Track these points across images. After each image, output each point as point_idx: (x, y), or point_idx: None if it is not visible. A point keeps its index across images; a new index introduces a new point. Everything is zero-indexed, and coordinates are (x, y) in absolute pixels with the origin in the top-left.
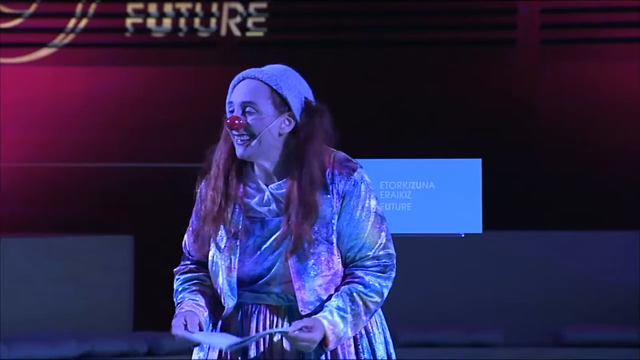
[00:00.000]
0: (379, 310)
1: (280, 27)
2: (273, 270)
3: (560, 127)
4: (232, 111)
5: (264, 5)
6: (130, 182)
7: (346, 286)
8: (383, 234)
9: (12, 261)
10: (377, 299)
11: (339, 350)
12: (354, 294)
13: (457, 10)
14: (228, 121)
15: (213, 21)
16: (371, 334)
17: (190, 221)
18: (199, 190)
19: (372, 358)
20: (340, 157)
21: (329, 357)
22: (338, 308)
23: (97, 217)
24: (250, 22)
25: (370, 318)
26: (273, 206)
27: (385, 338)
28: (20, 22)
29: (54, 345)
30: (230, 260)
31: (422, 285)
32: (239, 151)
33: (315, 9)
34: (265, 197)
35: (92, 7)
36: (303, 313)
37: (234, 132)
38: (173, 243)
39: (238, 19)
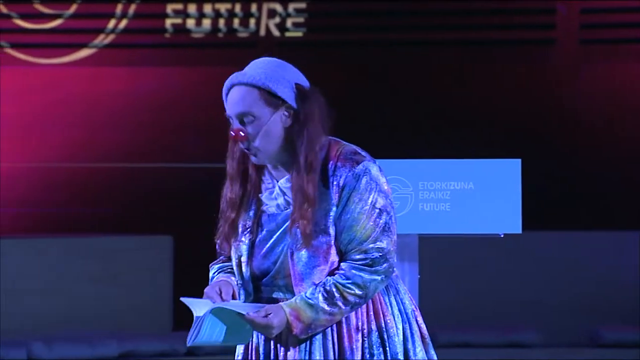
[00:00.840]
0: (407, 305)
1: (319, 27)
2: (277, 264)
3: (599, 127)
4: (232, 124)
5: (303, 5)
6: (169, 183)
7: (327, 277)
8: (378, 228)
9: (51, 261)
10: (357, 291)
11: (346, 345)
12: (330, 284)
13: (496, 10)
14: (232, 134)
15: (252, 21)
16: (383, 330)
17: (219, 220)
18: (223, 190)
19: (381, 352)
20: (347, 150)
21: (335, 351)
22: (305, 296)
23: (136, 218)
24: (289, 23)
25: (352, 310)
26: (281, 200)
27: (405, 333)
28: (60, 22)
29: (94, 345)
30: (243, 253)
31: (460, 285)
32: (254, 160)
33: (355, 9)
34: (275, 191)
35: (132, 8)
36: None
37: (242, 145)
38: (212, 243)
39: (277, 20)
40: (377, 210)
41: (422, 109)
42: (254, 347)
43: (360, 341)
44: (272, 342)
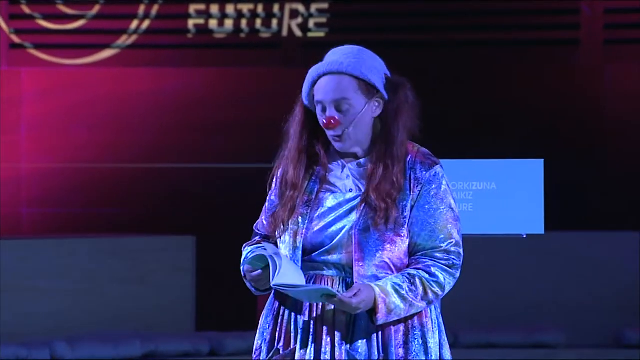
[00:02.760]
0: (439, 313)
1: (342, 28)
2: (336, 240)
3: (624, 127)
4: (323, 109)
5: (325, 5)
6: (193, 183)
7: (410, 269)
8: (456, 232)
9: (77, 261)
10: (437, 290)
11: (388, 334)
12: (415, 277)
13: (521, 10)
14: (324, 122)
15: (275, 22)
16: (425, 329)
17: (267, 200)
18: (277, 168)
19: (423, 350)
20: (423, 150)
21: (379, 338)
22: (393, 282)
23: (160, 218)
24: (311, 23)
25: (428, 306)
26: (350, 181)
27: (440, 340)
28: (83, 23)
29: (117, 345)
30: (299, 225)
31: (484, 286)
32: (337, 146)
33: (378, 10)
34: (344, 172)
35: (155, 9)
36: None
37: (330, 132)
38: (235, 243)
39: (299, 20)
40: (456, 215)
41: (445, 109)
42: (285, 322)
43: (402, 333)
44: (311, 319)
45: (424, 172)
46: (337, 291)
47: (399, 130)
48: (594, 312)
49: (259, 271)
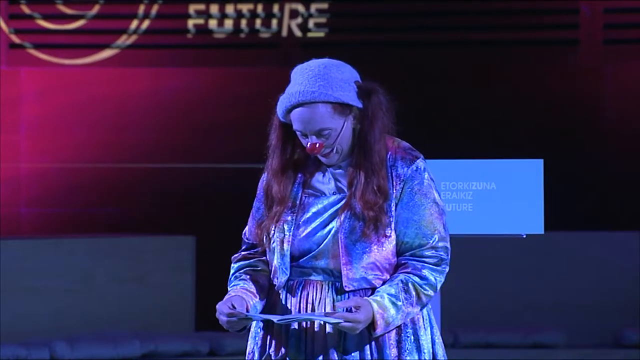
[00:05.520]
0: (430, 309)
1: (341, 28)
2: (322, 245)
3: (624, 127)
4: (303, 135)
5: (325, 5)
6: (192, 183)
7: (401, 275)
8: (442, 226)
9: (76, 261)
10: (430, 292)
11: (385, 335)
12: (409, 284)
13: (520, 10)
14: (308, 147)
15: (274, 22)
16: (417, 326)
17: (253, 207)
18: (262, 176)
19: (415, 348)
20: (404, 144)
21: (372, 340)
22: (389, 294)
23: (159, 218)
24: (311, 23)
25: (422, 310)
26: (332, 184)
27: (432, 337)
28: (83, 23)
29: (117, 345)
30: (285, 233)
31: (483, 286)
32: (325, 161)
33: (377, 10)
34: (325, 175)
35: (154, 9)
36: (347, 289)
37: (317, 154)
38: (235, 244)
39: (299, 20)
40: (441, 209)
41: (444, 109)
42: (276, 326)
43: (394, 332)
44: (303, 324)
45: (405, 169)
46: (337, 312)
47: (375, 137)
48: (594, 312)
49: (235, 318)
